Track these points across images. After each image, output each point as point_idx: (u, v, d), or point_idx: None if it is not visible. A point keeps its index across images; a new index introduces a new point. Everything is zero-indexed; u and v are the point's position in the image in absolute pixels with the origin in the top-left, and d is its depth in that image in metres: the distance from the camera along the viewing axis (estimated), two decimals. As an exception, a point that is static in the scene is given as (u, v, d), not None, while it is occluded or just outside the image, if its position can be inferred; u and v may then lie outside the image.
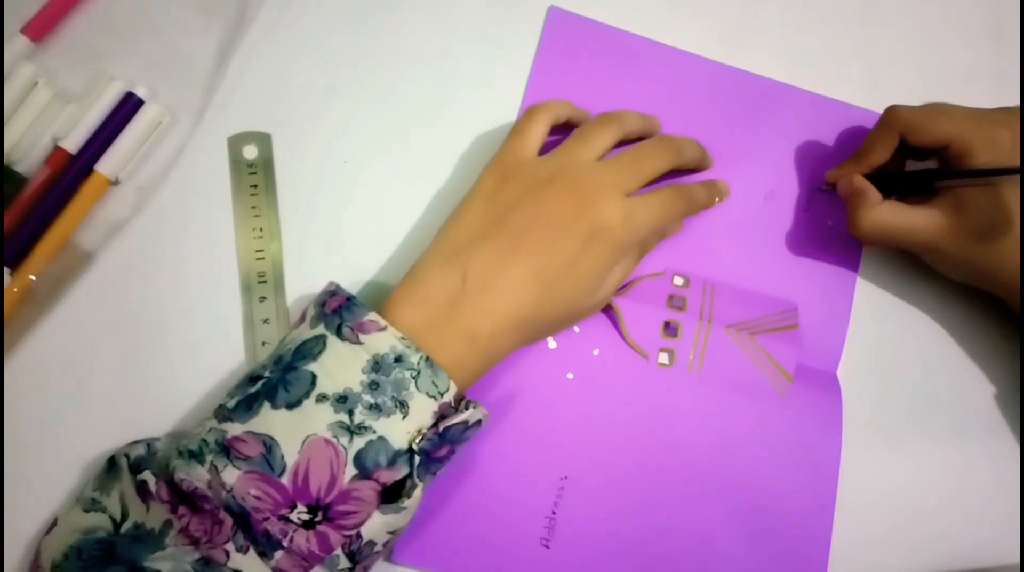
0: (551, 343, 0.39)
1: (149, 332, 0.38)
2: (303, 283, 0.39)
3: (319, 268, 0.40)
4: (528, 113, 0.38)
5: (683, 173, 0.42)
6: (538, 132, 0.38)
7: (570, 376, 0.39)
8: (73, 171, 0.39)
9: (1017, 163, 0.35)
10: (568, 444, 0.38)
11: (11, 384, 0.37)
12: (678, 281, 0.41)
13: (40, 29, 0.41)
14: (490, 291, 0.33)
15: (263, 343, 0.38)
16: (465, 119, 0.42)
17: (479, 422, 0.33)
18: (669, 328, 0.40)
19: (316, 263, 0.40)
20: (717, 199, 0.42)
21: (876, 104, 0.44)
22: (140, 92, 0.40)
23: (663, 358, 0.40)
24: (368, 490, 0.30)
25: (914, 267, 0.41)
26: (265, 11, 0.42)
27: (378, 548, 0.32)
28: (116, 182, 0.40)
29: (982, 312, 0.42)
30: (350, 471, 0.30)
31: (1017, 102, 0.45)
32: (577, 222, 0.34)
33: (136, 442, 0.34)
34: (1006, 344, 0.41)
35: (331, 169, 0.41)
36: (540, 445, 0.38)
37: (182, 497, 0.30)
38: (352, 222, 0.41)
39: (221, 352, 0.38)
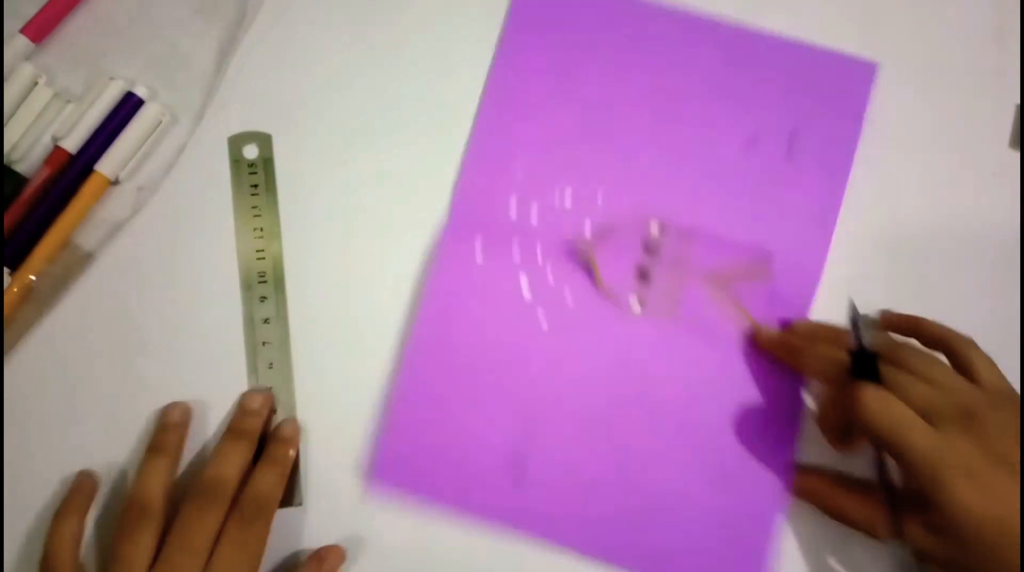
0: (525, 293, 0.40)
1: (149, 332, 0.38)
2: (303, 283, 0.39)
3: (319, 267, 0.40)
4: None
5: None
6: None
7: (544, 327, 0.40)
8: (73, 171, 0.39)
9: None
10: (540, 389, 0.39)
11: (11, 384, 0.37)
12: (654, 228, 0.41)
13: (40, 29, 0.41)
14: None
15: (263, 343, 0.38)
16: (468, 117, 0.42)
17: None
18: (641, 274, 0.40)
19: (316, 262, 0.40)
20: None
21: (877, 103, 0.44)
22: (140, 92, 0.40)
23: (634, 304, 0.40)
24: None
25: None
26: (265, 11, 0.42)
27: None
28: (116, 182, 0.40)
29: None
30: None
31: (1018, 102, 0.45)
32: None
33: None
34: (996, 275, 0.42)
35: (331, 169, 0.41)
36: (512, 390, 0.39)
37: None
38: (352, 222, 0.40)
39: (221, 352, 0.38)
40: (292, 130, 0.41)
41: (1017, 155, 0.44)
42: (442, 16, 0.43)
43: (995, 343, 0.38)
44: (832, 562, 0.38)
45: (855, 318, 0.36)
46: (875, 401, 0.33)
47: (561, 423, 0.39)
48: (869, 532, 0.36)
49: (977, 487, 0.32)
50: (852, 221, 0.42)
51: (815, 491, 0.38)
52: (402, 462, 0.38)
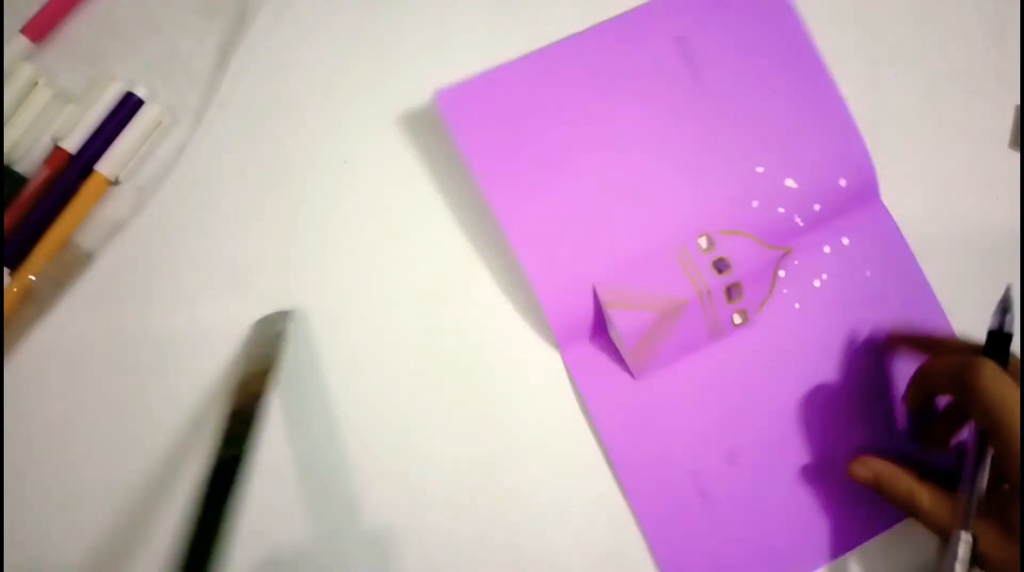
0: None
1: (149, 332, 0.38)
2: (303, 282, 0.39)
3: (319, 267, 0.40)
4: None
5: None
6: None
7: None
8: (73, 171, 0.39)
9: None
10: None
11: (11, 384, 0.37)
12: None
13: (40, 29, 0.41)
14: None
15: (263, 343, 0.38)
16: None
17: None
18: (728, 291, 0.40)
19: (316, 262, 0.40)
20: None
21: (876, 104, 0.44)
22: (140, 92, 0.40)
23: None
24: None
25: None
26: (265, 11, 0.42)
27: None
28: (116, 182, 0.40)
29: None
30: None
31: (1018, 102, 0.45)
32: None
33: None
34: (996, 275, 0.40)
35: (331, 169, 0.41)
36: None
37: None
38: (352, 222, 0.40)
39: (221, 352, 0.38)
40: (292, 130, 0.41)
41: (1017, 155, 0.44)
42: (443, 13, 0.43)
43: (995, 343, 0.38)
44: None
45: (1007, 300, 0.36)
46: (994, 376, 0.33)
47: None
48: (933, 524, 0.35)
49: None
50: (852, 221, 0.42)
51: (882, 472, 0.37)
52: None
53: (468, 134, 0.40)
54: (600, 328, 0.40)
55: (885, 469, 0.37)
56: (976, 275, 0.42)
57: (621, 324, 0.38)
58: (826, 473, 0.40)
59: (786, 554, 0.39)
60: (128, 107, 0.40)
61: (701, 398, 0.40)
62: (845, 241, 0.42)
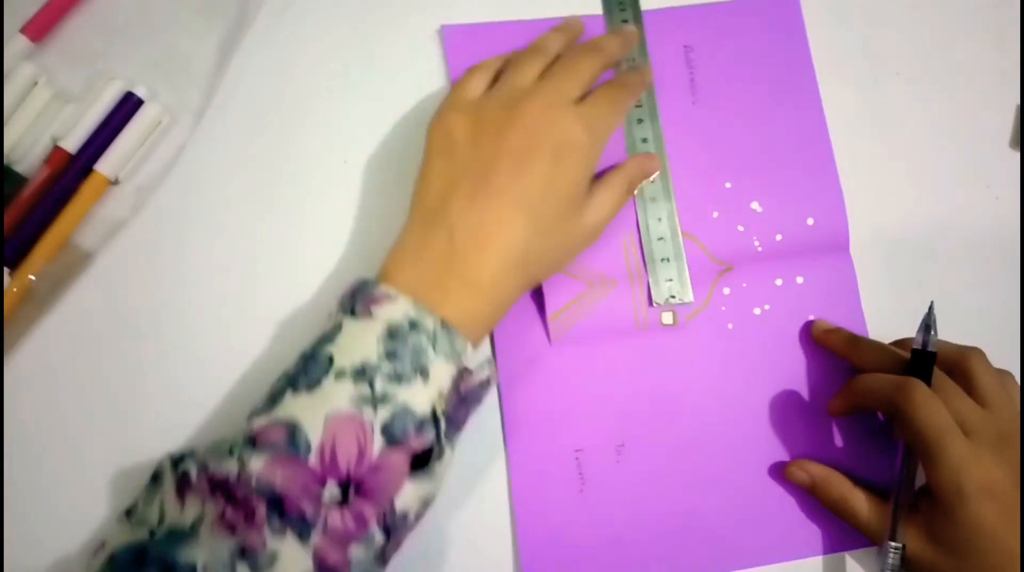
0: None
1: (148, 332, 0.38)
2: (303, 281, 0.39)
3: (319, 267, 0.40)
4: (468, 72, 0.39)
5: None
6: (476, 85, 0.38)
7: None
8: (73, 171, 0.39)
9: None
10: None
11: (11, 384, 0.37)
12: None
13: (40, 29, 0.41)
14: (478, 236, 0.33)
15: (263, 343, 0.38)
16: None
17: (489, 381, 0.33)
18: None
19: (316, 262, 0.40)
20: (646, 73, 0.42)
21: (878, 103, 0.44)
22: (140, 92, 0.40)
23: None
24: (399, 459, 0.30)
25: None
26: (265, 11, 0.42)
27: (411, 521, 0.32)
28: (116, 182, 0.40)
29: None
30: (378, 441, 0.30)
31: (1018, 103, 0.45)
32: (539, 145, 0.34)
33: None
34: (996, 275, 0.41)
35: (331, 169, 0.41)
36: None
37: (216, 486, 0.30)
38: (352, 222, 0.40)
39: (221, 351, 0.38)
40: (292, 130, 0.41)
41: (1017, 155, 0.44)
42: (443, 11, 0.43)
43: (995, 343, 0.38)
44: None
45: (929, 319, 0.36)
46: (925, 400, 0.34)
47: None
48: (865, 528, 0.36)
49: (998, 509, 0.32)
50: (852, 220, 0.42)
51: (818, 475, 0.38)
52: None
53: (463, 71, 0.40)
54: (537, 292, 0.40)
55: (821, 472, 0.38)
56: (976, 275, 0.42)
57: (548, 285, 0.39)
58: (714, 492, 0.39)
59: (649, 560, 0.38)
60: (128, 107, 0.40)
61: (610, 384, 0.39)
62: (800, 279, 0.41)
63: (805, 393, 0.40)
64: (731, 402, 0.40)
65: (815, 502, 0.39)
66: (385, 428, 0.30)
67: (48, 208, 0.39)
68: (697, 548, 0.38)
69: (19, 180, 0.39)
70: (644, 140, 0.42)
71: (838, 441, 0.40)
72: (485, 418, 0.39)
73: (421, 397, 0.31)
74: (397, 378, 0.31)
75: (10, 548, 0.36)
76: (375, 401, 0.30)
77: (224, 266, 0.39)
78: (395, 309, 0.32)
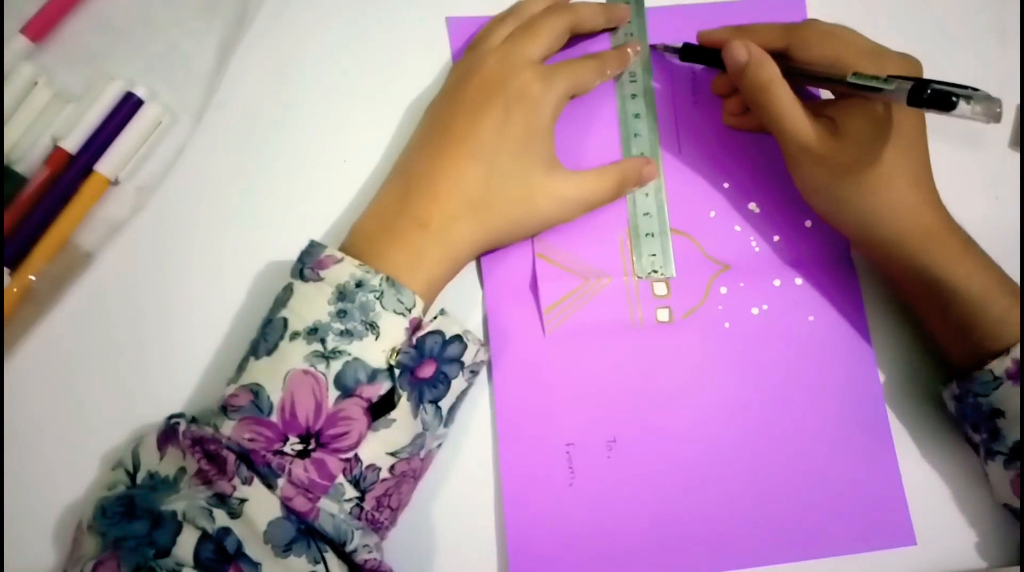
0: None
1: (149, 332, 0.39)
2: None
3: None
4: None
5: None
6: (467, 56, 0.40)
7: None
8: (73, 171, 0.39)
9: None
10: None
11: (11, 384, 0.37)
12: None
13: (40, 29, 0.41)
14: (431, 179, 0.36)
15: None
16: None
17: (459, 338, 0.34)
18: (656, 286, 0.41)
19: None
20: (630, 52, 0.42)
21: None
22: (140, 92, 0.40)
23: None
24: (354, 408, 0.32)
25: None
26: (265, 11, 0.42)
27: (384, 475, 0.32)
28: (116, 182, 0.40)
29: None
30: (333, 393, 0.32)
31: (1018, 102, 0.45)
32: (493, 97, 0.37)
33: None
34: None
35: (331, 169, 0.41)
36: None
37: (195, 443, 0.32)
38: (352, 222, 0.40)
39: (221, 351, 0.38)
40: (292, 130, 0.41)
41: (1017, 155, 0.44)
42: (444, 11, 0.43)
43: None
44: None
45: None
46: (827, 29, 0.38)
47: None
48: (780, 132, 0.38)
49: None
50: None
51: (755, 52, 0.38)
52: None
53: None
54: (534, 284, 0.40)
55: (759, 52, 0.38)
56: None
57: (543, 278, 0.39)
58: (704, 490, 0.38)
59: (637, 555, 0.38)
60: (128, 107, 0.40)
61: (603, 379, 0.39)
62: (798, 281, 0.41)
63: (800, 394, 0.40)
64: (725, 400, 0.40)
65: (809, 503, 0.38)
66: (337, 378, 0.32)
67: (48, 208, 0.39)
68: (685, 545, 0.38)
69: (19, 180, 0.39)
70: (636, 115, 0.42)
71: (833, 442, 0.40)
72: (476, 409, 0.39)
73: (373, 351, 0.32)
74: (348, 334, 0.32)
75: (10, 548, 0.36)
76: (327, 356, 0.32)
77: (224, 266, 0.39)
78: (341, 270, 0.33)
